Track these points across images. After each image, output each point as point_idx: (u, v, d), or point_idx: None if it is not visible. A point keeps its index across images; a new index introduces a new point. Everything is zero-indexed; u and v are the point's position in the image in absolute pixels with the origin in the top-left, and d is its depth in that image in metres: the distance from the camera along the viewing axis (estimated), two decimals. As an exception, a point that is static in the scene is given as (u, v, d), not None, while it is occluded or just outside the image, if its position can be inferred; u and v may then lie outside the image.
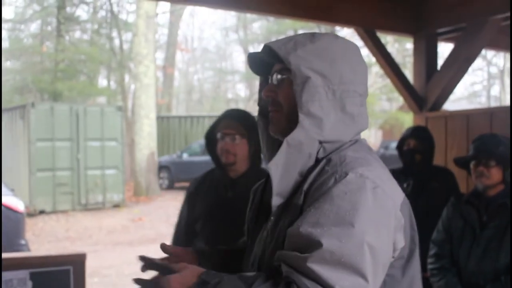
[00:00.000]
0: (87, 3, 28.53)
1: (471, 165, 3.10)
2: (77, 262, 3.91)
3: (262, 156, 2.91)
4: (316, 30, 30.54)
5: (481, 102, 40.98)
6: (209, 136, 3.06)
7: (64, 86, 24.14)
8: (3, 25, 33.47)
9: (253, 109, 33.96)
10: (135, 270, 7.30)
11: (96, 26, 29.00)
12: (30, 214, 13.50)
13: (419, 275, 1.58)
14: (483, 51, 5.15)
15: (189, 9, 33.34)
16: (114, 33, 27.54)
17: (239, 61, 43.09)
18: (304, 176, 1.52)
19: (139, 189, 17.98)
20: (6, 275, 3.71)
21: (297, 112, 1.50)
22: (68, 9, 26.76)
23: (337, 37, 1.59)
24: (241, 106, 38.13)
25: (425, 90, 5.14)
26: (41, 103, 16.20)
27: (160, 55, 31.48)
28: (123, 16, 29.87)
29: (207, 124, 23.18)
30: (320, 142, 1.51)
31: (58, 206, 14.97)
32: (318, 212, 1.38)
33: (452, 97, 4.81)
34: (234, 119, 2.96)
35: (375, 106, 29.80)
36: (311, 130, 1.49)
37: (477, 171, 3.05)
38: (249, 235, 1.81)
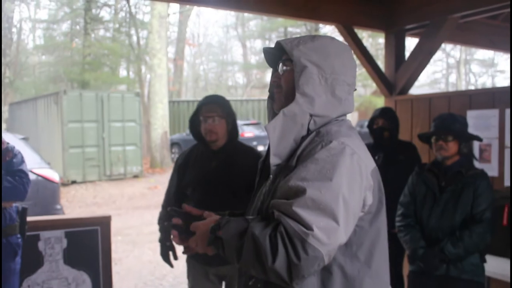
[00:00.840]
0: (109, 6, 28.30)
1: (432, 139, 3.14)
2: (104, 223, 3.93)
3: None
4: (303, 27, 30.41)
5: (440, 88, 40.90)
6: (192, 119, 3.16)
7: (90, 76, 24.07)
8: (39, 24, 33.27)
9: (250, 94, 33.92)
10: (152, 229, 7.32)
11: (117, 25, 28.82)
12: (64, 184, 13.52)
13: (385, 229, 1.64)
14: (443, 45, 5.13)
15: (195, 9, 33.10)
16: (132, 31, 27.31)
17: (238, 54, 42.90)
18: (298, 144, 1.62)
19: (154, 162, 17.98)
20: (45, 234, 3.73)
21: (294, 93, 1.62)
22: (93, 11, 26.57)
23: (333, 39, 1.70)
24: (240, 92, 38.04)
25: (394, 77, 5.13)
26: (71, 90, 16.10)
27: (171, 50, 31.25)
28: (139, 16, 29.61)
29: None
30: (311, 116, 1.61)
31: (87, 177, 14.98)
32: (305, 170, 1.48)
33: (416, 83, 4.81)
34: (213, 104, 3.08)
35: (352, 91, 29.63)
36: (304, 105, 1.60)
37: (437, 145, 3.09)
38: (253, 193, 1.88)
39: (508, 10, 4.46)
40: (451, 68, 40.55)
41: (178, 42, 30.95)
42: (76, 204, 11.94)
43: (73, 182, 14.61)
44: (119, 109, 15.51)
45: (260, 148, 17.86)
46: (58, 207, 6.73)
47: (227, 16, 43.02)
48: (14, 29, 30.09)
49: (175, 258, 3.21)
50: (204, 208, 2.48)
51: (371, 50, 27.01)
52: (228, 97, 31.56)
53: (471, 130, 4.44)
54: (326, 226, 1.40)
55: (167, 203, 3.27)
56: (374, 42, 29.84)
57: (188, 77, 39.83)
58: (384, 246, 1.63)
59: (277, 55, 1.76)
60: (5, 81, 16.55)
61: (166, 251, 3.22)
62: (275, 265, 1.41)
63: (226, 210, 2.20)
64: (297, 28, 31.50)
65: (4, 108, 17.29)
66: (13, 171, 3.20)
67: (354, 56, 1.77)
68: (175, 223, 1.78)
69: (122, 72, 32.29)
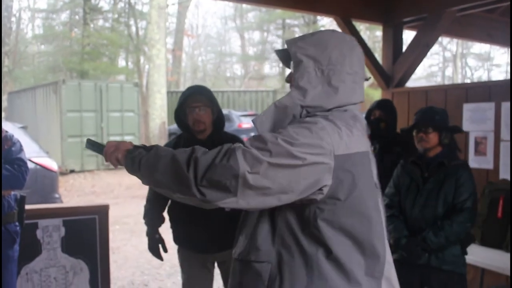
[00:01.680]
0: (108, -4, 28.16)
1: (414, 132, 3.17)
2: (102, 212, 3.93)
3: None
4: (301, 19, 30.31)
5: (436, 81, 40.90)
6: (178, 110, 3.13)
7: (89, 66, 24.01)
8: (38, 14, 33.13)
9: (248, 85, 33.87)
10: (150, 218, 7.09)
11: (116, 16, 28.70)
12: (62, 173, 13.53)
13: (360, 226, 1.55)
14: (440, 38, 5.14)
15: (194, 0, 33.03)
16: (131, 21, 27.21)
17: (236, 45, 42.77)
18: None
19: (153, 152, 17.99)
20: (43, 222, 3.73)
21: None
22: (92, 1, 26.46)
23: (334, 31, 1.71)
24: (238, 83, 37.96)
25: (392, 70, 5.12)
26: (70, 80, 16.09)
27: (170, 40, 31.10)
28: (138, 6, 29.45)
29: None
30: (302, 107, 1.62)
31: (86, 166, 15.00)
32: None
33: (413, 76, 4.81)
34: (198, 94, 3.07)
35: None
36: (295, 98, 1.63)
37: (418, 137, 3.14)
38: None
39: (507, 3, 4.45)
40: (448, 62, 40.52)
41: (176, 33, 30.87)
42: (74, 193, 11.94)
43: (72, 171, 14.61)
44: (117, 99, 15.49)
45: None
46: (57, 195, 6.72)
47: (226, 7, 42.88)
48: (13, 19, 29.94)
49: (165, 250, 3.22)
50: None
51: (369, 43, 26.94)
52: (226, 88, 31.60)
53: (467, 123, 4.45)
54: (256, 155, 1.43)
55: (152, 196, 3.27)
56: (372, 35, 29.76)
57: (186, 68, 39.74)
58: (357, 242, 1.54)
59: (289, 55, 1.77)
60: (4, 70, 16.51)
61: (156, 244, 3.23)
62: (190, 168, 1.46)
63: None
64: (295, 20, 31.42)
65: (3, 97, 17.25)
66: (12, 160, 3.19)
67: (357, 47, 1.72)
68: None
69: (121, 62, 32.20)
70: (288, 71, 1.79)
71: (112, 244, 6.03)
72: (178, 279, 5.78)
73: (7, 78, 17.53)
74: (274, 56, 36.47)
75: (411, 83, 6.54)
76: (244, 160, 1.43)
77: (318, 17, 24.51)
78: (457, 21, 5.08)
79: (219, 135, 3.15)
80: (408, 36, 4.95)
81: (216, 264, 3.26)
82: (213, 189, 1.45)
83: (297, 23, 32.04)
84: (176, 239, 3.24)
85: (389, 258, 1.64)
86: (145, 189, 12.33)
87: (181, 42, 31.79)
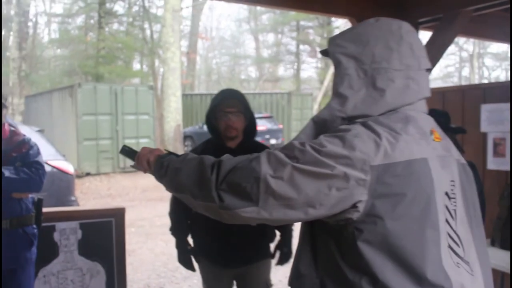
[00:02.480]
0: (123, 0, 28.36)
1: None
2: (118, 214, 3.94)
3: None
4: (316, 21, 30.24)
5: (453, 82, 40.57)
6: (210, 115, 3.00)
7: (104, 69, 24.18)
8: (54, 18, 33.44)
9: (262, 87, 33.88)
10: (165, 221, 7.28)
11: (130, 19, 28.89)
12: (78, 176, 13.61)
13: (403, 247, 1.30)
14: (456, 38, 5.08)
15: (208, 3, 33.10)
16: (146, 25, 27.41)
17: (251, 48, 42.83)
18: None
19: (168, 155, 18.06)
20: (60, 225, 3.76)
21: None
22: (107, 5, 26.64)
23: (378, 20, 1.51)
24: (252, 85, 38.00)
25: (407, 71, 5.08)
26: (86, 83, 16.18)
27: (184, 43, 31.25)
28: (153, 10, 29.65)
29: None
30: (343, 119, 1.43)
31: (101, 169, 15.09)
32: None
33: (430, 77, 4.73)
34: (234, 99, 2.95)
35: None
36: (334, 109, 1.44)
37: None
38: None
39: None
40: (464, 62, 40.18)
41: (191, 36, 30.99)
42: (90, 196, 12.02)
43: (88, 174, 14.70)
44: (132, 102, 15.58)
45: (273, 142, 17.86)
46: (73, 198, 6.76)
47: (240, 9, 42.95)
48: (30, 23, 30.26)
49: (197, 260, 3.11)
50: None
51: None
52: (240, 91, 31.93)
53: (485, 124, 4.41)
54: (281, 157, 1.32)
55: (176, 206, 3.11)
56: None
57: (201, 71, 39.87)
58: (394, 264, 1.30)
59: None
60: (21, 74, 16.67)
61: (187, 256, 3.11)
62: (214, 170, 1.40)
63: None
64: (309, 21, 31.40)
65: (20, 101, 17.41)
66: (30, 163, 3.21)
67: (411, 33, 1.51)
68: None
69: (136, 66, 32.40)
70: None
71: (128, 246, 6.06)
72: (194, 282, 5.79)
73: (24, 82, 17.71)
74: (288, 58, 36.50)
75: (427, 84, 6.45)
76: (268, 163, 1.32)
77: (333, 19, 24.45)
78: (474, 21, 5.03)
79: (249, 143, 3.02)
80: (424, 36, 4.92)
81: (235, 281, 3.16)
82: (233, 194, 1.34)
83: (312, 24, 32.02)
84: (196, 251, 3.13)
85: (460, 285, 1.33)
86: (160, 192, 12.36)
87: (196, 45, 31.92)
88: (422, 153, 1.36)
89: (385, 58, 1.43)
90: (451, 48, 36.55)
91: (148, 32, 27.44)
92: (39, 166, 3.24)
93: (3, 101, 3.19)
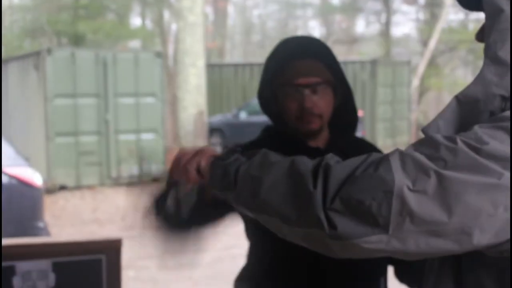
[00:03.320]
0: None
1: None
2: (111, 249, 3.98)
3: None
4: None
5: None
6: (267, 89, 2.55)
7: (87, 27, 24.41)
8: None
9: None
10: (180, 262, 7.40)
11: None
12: (49, 190, 13.61)
13: None
14: None
15: None
16: (150, -43, 27.67)
17: (313, -9, 42.80)
18: None
19: (184, 158, 18.14)
20: (23, 265, 3.82)
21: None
22: None
23: None
24: (315, 50, 37.89)
25: None
26: (59, 49, 16.36)
27: (209, -15, 31.48)
28: None
29: (271, 73, 23.14)
30: (504, 98, 1.38)
31: (83, 180, 15.19)
32: None
33: None
34: (311, 57, 2.42)
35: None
36: (492, 83, 1.38)
37: None
38: None
39: None
40: None
41: (220, -27, 31.14)
42: (66, 221, 12.17)
43: (62, 187, 14.80)
44: (130, 77, 15.62)
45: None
46: (41, 225, 6.81)
47: None
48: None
49: None
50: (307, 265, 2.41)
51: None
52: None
53: None
54: (423, 162, 1.28)
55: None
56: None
57: (235, 28, 40.05)
58: None
59: None
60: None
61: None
62: (319, 181, 1.35)
63: (358, 267, 2.29)
64: None
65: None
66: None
67: None
68: None
69: (135, 21, 32.72)
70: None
71: (125, 299, 6.13)
72: None
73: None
74: (372, 5, 36.27)
75: None
76: (402, 169, 1.29)
77: None
78: None
79: (350, 142, 2.61)
80: None
81: None
82: (351, 216, 1.31)
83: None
84: None
85: None
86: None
87: (227, -12, 32.05)
88: None
89: None
90: None
91: (153, -32, 27.71)
92: None
93: None
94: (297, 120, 2.43)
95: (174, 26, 24.90)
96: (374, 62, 21.78)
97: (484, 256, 1.36)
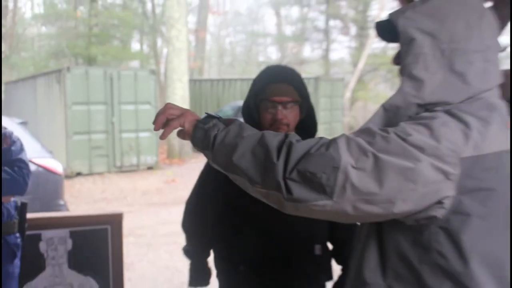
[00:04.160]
0: (119, -32, 28.41)
1: None
2: (115, 221, 3.96)
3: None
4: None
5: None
6: (250, 103, 2.58)
7: (98, 50, 24.19)
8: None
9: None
10: (170, 229, 7.39)
11: (128, -10, 28.93)
12: (68, 176, 13.54)
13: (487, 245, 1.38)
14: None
15: (220, -28, 33.03)
16: (147, -3, 27.46)
17: (271, 24, 42.95)
18: None
19: (173, 151, 18.06)
20: (47, 233, 3.78)
21: None
22: (100, -27, 26.67)
23: None
24: (273, 69, 37.80)
25: None
26: (76, 67, 16.23)
27: (192, 19, 31.36)
28: (155, -20, 29.69)
29: (239, 87, 23.19)
30: (420, 106, 1.46)
31: (94, 168, 15.08)
32: None
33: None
34: (285, 82, 2.51)
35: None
36: (409, 94, 1.45)
37: None
38: None
39: None
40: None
41: (200, 10, 31.01)
42: (81, 200, 12.07)
43: (78, 174, 14.72)
44: (131, 90, 15.55)
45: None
46: (61, 202, 6.77)
47: (258, -22, 42.85)
48: (10, -4, 30.53)
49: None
50: (267, 233, 2.48)
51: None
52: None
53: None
54: (364, 145, 1.33)
55: (195, 220, 2.80)
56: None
57: (211, 52, 39.89)
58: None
59: (395, 29, 1.56)
60: (-1, 56, 16.83)
61: (204, 282, 2.83)
62: (281, 155, 1.37)
63: (303, 233, 2.43)
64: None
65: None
66: (12, 161, 3.19)
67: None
68: None
69: (135, 46, 32.49)
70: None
71: (126, 259, 6.10)
72: (203, 301, 5.83)
73: (3, 66, 17.80)
74: (316, 36, 36.33)
75: None
76: (348, 150, 1.33)
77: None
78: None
79: None
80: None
81: None
82: (304, 184, 1.34)
83: (343, -4, 31.83)
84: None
85: None
86: (163, 196, 12.41)
87: (205, 21, 31.90)
88: (507, 144, 1.43)
89: (464, 37, 1.44)
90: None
91: (149, 5, 27.49)
92: (23, 164, 3.22)
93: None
94: (270, 127, 2.47)
95: (165, 51, 24.76)
96: (317, 79, 21.80)
97: (401, 224, 1.40)
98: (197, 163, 17.39)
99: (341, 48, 37.13)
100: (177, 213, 11.84)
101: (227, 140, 1.48)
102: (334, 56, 36.75)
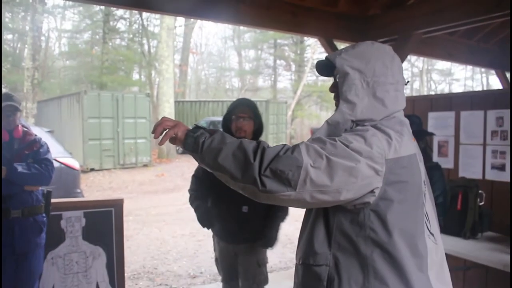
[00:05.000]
0: (125, 19, 28.10)
1: None
2: (117, 205, 3.90)
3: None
4: (290, 39, 30.30)
5: (406, 93, 40.81)
6: (226, 117, 3.10)
7: (108, 79, 23.94)
8: (64, 34, 32.99)
9: (244, 95, 33.80)
10: (159, 211, 7.29)
11: (131, 35, 28.65)
12: (84, 171, 13.40)
13: (409, 224, 1.43)
14: (408, 56, 5.13)
15: (199, 23, 32.90)
16: (144, 41, 27.14)
17: (234, 62, 42.70)
18: None
19: (162, 153, 17.93)
20: (66, 214, 3.71)
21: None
22: (111, 23, 26.36)
23: (373, 43, 1.59)
24: (235, 94, 37.92)
25: (367, 83, 5.11)
26: (91, 91, 16.00)
27: (177, 57, 31.01)
28: (150, 28, 29.35)
29: (211, 106, 23.19)
30: (353, 122, 1.50)
31: (104, 165, 14.95)
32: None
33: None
34: (245, 106, 3.06)
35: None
36: (346, 113, 1.50)
37: None
38: None
39: (465, 27, 4.47)
40: (415, 76, 40.63)
41: (183, 51, 30.84)
42: (94, 189, 11.90)
43: (92, 169, 14.56)
44: (131, 108, 15.47)
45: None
46: (78, 191, 6.67)
47: (226, 29, 42.88)
48: (42, 38, 29.80)
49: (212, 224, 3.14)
50: (223, 193, 2.79)
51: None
52: (225, 98, 31.42)
53: (431, 129, 4.46)
54: (319, 150, 1.33)
55: (196, 182, 3.22)
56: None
57: (191, 81, 39.68)
58: (411, 242, 1.41)
59: (330, 67, 1.61)
60: (34, 82, 16.41)
61: (206, 216, 3.11)
62: (257, 157, 1.35)
63: (239, 197, 2.35)
64: (285, 40, 31.46)
65: (33, 106, 17.09)
66: (40, 160, 3.18)
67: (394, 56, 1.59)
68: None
69: (135, 76, 32.11)
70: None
71: (126, 232, 6.02)
72: (183, 263, 5.77)
73: (36, 89, 17.42)
74: (267, 70, 36.52)
75: (384, 94, 6.48)
76: (307, 154, 1.32)
77: (305, 38, 24.53)
78: (423, 42, 5.09)
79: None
80: (381, 54, 4.94)
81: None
82: (275, 180, 1.33)
83: (287, 42, 32.10)
84: (212, 229, 3.22)
85: (432, 252, 1.47)
86: (155, 186, 12.25)
87: (187, 59, 31.77)
88: (413, 150, 1.49)
89: (383, 74, 1.51)
90: (404, 65, 36.88)
91: (146, 47, 27.19)
92: (49, 162, 3.21)
93: (16, 105, 3.15)
94: (235, 132, 3.01)
95: (157, 80, 24.53)
96: (267, 102, 21.89)
97: (343, 208, 1.43)
98: (180, 162, 17.30)
99: (285, 80, 37.34)
100: (165, 199, 11.84)
101: (212, 145, 1.44)
102: (280, 85, 37.01)
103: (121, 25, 29.27)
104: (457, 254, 3.40)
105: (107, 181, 13.14)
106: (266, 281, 3.14)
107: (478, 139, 4.13)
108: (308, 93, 30.43)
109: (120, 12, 26.28)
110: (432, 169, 3.05)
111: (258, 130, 3.11)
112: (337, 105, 1.57)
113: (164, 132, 1.55)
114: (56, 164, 3.63)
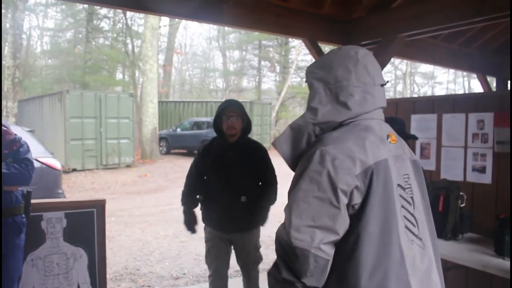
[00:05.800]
0: (108, 18, 27.88)
1: None
2: (99, 205, 3.86)
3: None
4: (275, 41, 30.37)
5: (389, 95, 41.37)
6: (216, 117, 3.41)
7: (90, 78, 23.77)
8: (46, 32, 32.57)
9: (228, 97, 33.80)
10: (142, 212, 7.23)
11: (115, 35, 28.44)
12: (65, 171, 13.32)
13: (377, 229, 1.41)
14: (392, 59, 5.17)
15: (183, 23, 32.75)
16: (128, 40, 26.93)
17: (219, 62, 42.68)
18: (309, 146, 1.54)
19: (145, 154, 17.80)
20: (47, 214, 3.65)
21: None
22: (94, 22, 26.17)
23: (340, 48, 1.63)
24: (220, 94, 37.88)
25: (351, 85, 5.13)
26: (73, 90, 15.85)
27: (161, 57, 30.83)
28: (135, 27, 29.12)
29: (195, 107, 23.12)
30: (314, 124, 1.54)
31: (86, 166, 14.77)
32: (291, 185, 1.47)
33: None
34: (234, 106, 3.39)
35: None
36: (307, 117, 1.56)
37: None
38: None
39: (448, 31, 4.52)
40: (399, 79, 41.06)
41: (167, 51, 30.67)
42: (76, 189, 11.77)
43: (74, 170, 14.40)
44: (115, 108, 15.32)
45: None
46: (60, 191, 6.58)
47: (210, 29, 42.79)
48: (24, 36, 29.38)
49: (195, 225, 3.57)
50: (220, 187, 3.33)
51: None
52: (209, 99, 31.33)
53: (414, 131, 4.50)
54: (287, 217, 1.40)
55: (189, 184, 3.56)
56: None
57: (175, 81, 39.50)
58: (375, 249, 1.38)
59: None
60: (15, 81, 16.21)
61: (192, 220, 3.56)
62: (283, 274, 1.41)
63: (237, 188, 3.31)
64: (270, 41, 31.56)
65: (14, 105, 16.90)
66: (20, 159, 3.14)
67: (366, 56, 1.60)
68: None
69: (119, 76, 31.87)
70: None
71: (108, 233, 5.95)
72: (166, 264, 5.73)
73: (17, 88, 17.20)
74: (251, 71, 36.56)
75: (368, 97, 6.52)
76: (303, 242, 1.37)
77: (290, 39, 24.60)
78: (407, 45, 5.14)
79: (245, 140, 3.49)
80: (365, 57, 4.97)
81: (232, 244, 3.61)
82: (315, 272, 1.40)
83: (272, 43, 32.19)
84: (203, 219, 3.56)
85: (416, 258, 1.45)
86: (138, 187, 12.16)
87: (171, 59, 31.60)
88: (383, 155, 1.47)
89: (345, 78, 1.54)
90: (388, 67, 37.29)
91: (130, 46, 26.96)
92: (29, 162, 3.17)
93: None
94: (226, 130, 3.38)
95: (141, 79, 24.36)
96: (251, 103, 21.91)
97: None
98: (163, 163, 17.21)
99: (269, 81, 37.43)
100: (148, 199, 11.75)
101: None
102: (264, 86, 37.06)
103: (105, 24, 29.05)
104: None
105: (89, 182, 13.00)
106: (261, 258, 3.62)
107: (459, 141, 4.18)
108: (292, 94, 30.54)
109: (103, 11, 26.07)
110: None
111: (246, 127, 3.46)
112: None
113: None
114: (37, 164, 3.59)
